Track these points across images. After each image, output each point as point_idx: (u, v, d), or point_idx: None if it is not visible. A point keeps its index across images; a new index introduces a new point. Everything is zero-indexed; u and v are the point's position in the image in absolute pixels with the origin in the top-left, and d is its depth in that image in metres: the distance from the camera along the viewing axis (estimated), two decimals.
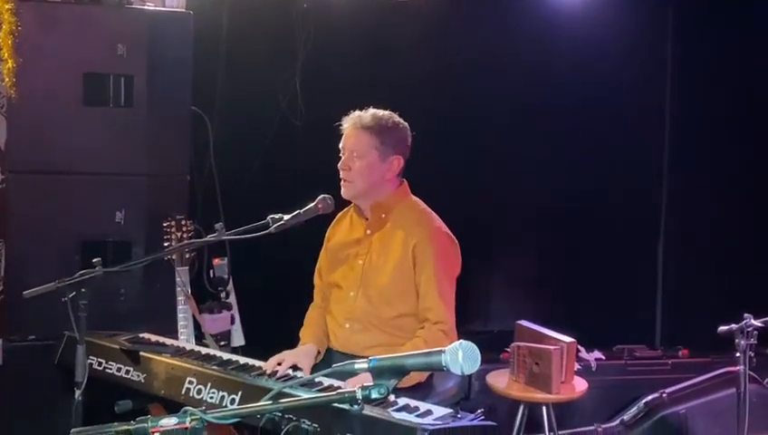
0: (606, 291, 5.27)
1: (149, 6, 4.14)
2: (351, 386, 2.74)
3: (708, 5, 5.18)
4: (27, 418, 3.89)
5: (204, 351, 3.50)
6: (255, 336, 4.45)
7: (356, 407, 2.14)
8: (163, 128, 4.10)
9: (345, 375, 2.87)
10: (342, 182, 3.48)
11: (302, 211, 3.38)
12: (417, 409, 2.80)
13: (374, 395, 2.11)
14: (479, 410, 2.74)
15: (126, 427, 2.05)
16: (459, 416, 2.71)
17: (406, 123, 3.54)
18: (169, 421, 2.04)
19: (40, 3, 3.97)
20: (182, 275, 3.82)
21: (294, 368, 3.31)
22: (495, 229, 5.34)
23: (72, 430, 2.09)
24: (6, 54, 3.81)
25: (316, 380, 3.05)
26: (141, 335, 3.64)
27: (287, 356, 3.34)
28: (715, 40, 5.14)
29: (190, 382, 3.16)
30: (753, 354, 3.60)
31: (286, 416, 2.73)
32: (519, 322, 4.12)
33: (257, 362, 3.32)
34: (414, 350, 2.34)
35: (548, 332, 3.97)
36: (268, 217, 3.34)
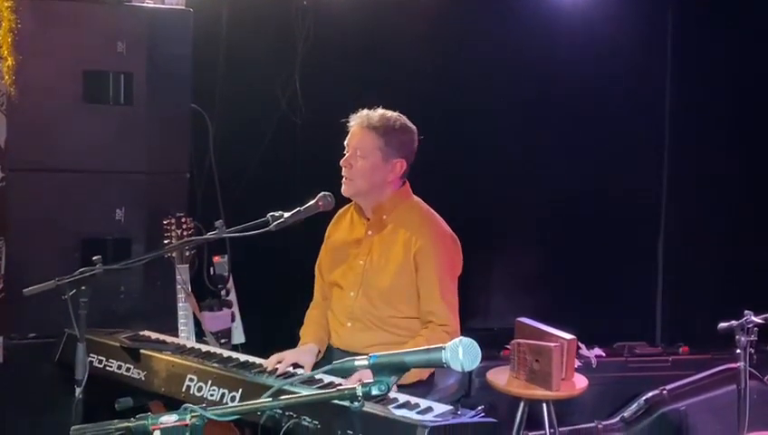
0: (606, 288, 5.27)
1: (149, 4, 4.13)
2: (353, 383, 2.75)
3: (708, 5, 5.18)
4: (28, 416, 3.89)
5: (204, 348, 3.50)
6: (256, 334, 4.45)
7: (356, 404, 2.13)
8: (163, 125, 4.10)
9: (345, 372, 2.86)
10: (344, 179, 3.47)
11: (302, 209, 3.37)
12: (417, 406, 2.80)
13: (374, 392, 2.11)
14: (479, 408, 2.74)
15: (126, 424, 2.05)
16: (460, 413, 2.71)
17: (414, 127, 3.52)
18: (170, 418, 2.04)
19: (39, 0, 3.95)
20: (182, 273, 3.82)
21: (295, 365, 3.31)
22: (495, 226, 5.34)
23: (73, 427, 2.09)
24: (6, 52, 3.81)
25: (316, 377, 3.05)
26: (142, 333, 3.64)
27: (288, 355, 3.34)
28: (715, 39, 5.14)
29: (191, 380, 3.16)
30: (753, 351, 3.61)
31: (287, 413, 2.73)
32: (519, 319, 4.13)
33: (258, 360, 3.32)
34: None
35: (548, 329, 3.97)
36: (268, 215, 3.33)
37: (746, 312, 3.60)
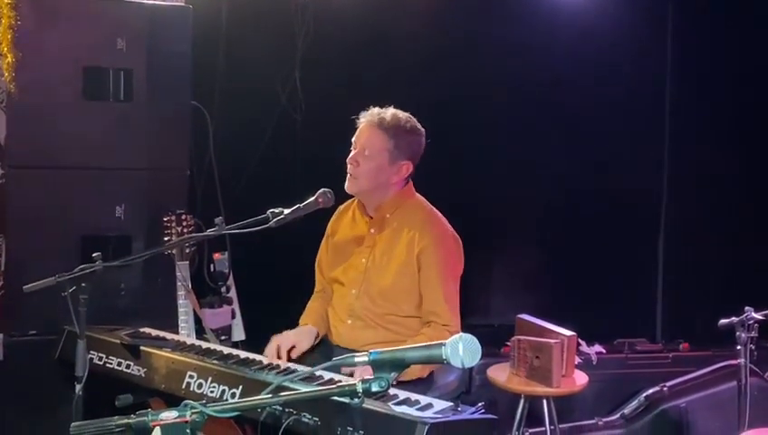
0: (607, 285, 5.27)
1: (149, 0, 4.13)
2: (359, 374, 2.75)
3: (708, 5, 5.17)
4: (28, 413, 3.89)
5: (204, 345, 3.50)
6: (256, 331, 4.45)
7: (356, 400, 2.13)
8: (163, 122, 4.10)
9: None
10: (348, 176, 3.46)
11: (302, 205, 3.37)
12: (417, 402, 2.80)
13: (374, 388, 2.11)
14: (480, 404, 2.74)
15: (126, 421, 2.05)
16: (460, 409, 2.71)
17: (422, 129, 3.51)
18: (170, 415, 2.04)
19: None
20: (182, 270, 3.82)
21: (293, 361, 3.30)
22: (496, 223, 5.34)
23: (73, 424, 2.09)
24: (6, 49, 3.80)
25: (316, 373, 3.05)
26: (142, 330, 3.64)
27: (287, 336, 3.35)
28: (715, 39, 5.13)
29: (191, 377, 3.16)
30: (753, 347, 3.61)
31: (287, 410, 2.73)
32: (519, 316, 4.12)
33: (258, 357, 3.32)
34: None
35: (548, 325, 3.97)
36: (268, 212, 3.33)
37: (747, 308, 3.61)
